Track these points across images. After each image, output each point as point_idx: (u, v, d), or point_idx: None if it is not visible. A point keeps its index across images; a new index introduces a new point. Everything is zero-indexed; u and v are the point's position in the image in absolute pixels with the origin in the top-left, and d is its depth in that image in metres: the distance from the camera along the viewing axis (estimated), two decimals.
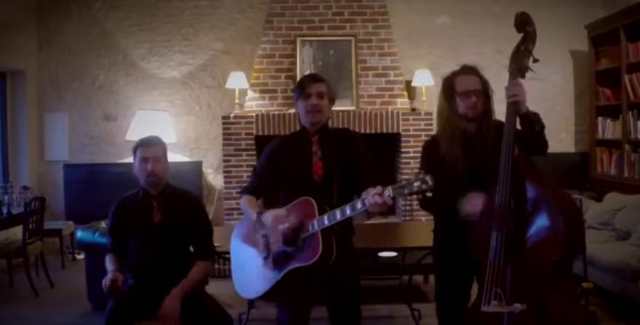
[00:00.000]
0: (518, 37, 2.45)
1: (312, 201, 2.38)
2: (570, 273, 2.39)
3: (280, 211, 2.44)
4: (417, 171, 2.16)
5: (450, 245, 2.56)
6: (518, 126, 2.41)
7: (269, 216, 2.44)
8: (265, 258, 2.49)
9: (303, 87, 2.54)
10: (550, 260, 2.22)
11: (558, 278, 2.24)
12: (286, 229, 2.37)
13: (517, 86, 2.35)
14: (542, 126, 2.41)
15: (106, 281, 2.61)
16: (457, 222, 2.44)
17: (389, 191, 2.13)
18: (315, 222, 2.34)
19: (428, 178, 2.06)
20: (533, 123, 2.38)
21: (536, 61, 2.39)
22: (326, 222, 2.30)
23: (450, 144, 2.48)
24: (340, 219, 2.28)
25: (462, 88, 2.48)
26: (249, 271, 2.58)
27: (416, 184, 2.07)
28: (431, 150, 2.59)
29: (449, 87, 2.53)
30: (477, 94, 2.47)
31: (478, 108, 2.48)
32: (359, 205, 2.23)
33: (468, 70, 2.53)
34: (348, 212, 2.26)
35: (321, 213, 2.35)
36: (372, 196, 2.15)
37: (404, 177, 5.37)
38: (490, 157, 2.38)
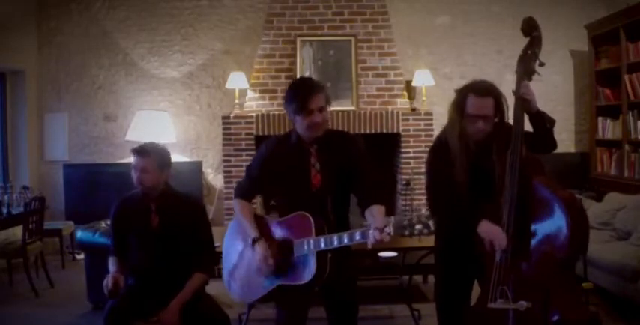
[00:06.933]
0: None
1: (310, 217, 2.34)
2: (573, 273, 2.41)
3: (267, 251, 2.39)
4: (423, 213, 2.16)
5: (453, 244, 2.55)
6: (527, 128, 2.42)
7: (259, 251, 2.39)
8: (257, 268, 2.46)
9: (302, 102, 2.33)
10: (556, 259, 2.24)
11: (563, 277, 2.26)
12: (270, 269, 2.37)
13: (527, 87, 2.38)
14: (553, 122, 2.45)
15: (107, 283, 2.60)
16: (462, 222, 2.44)
17: (390, 229, 2.13)
18: (312, 241, 2.30)
19: (430, 223, 2.08)
20: (544, 121, 2.40)
21: (542, 64, 2.42)
22: (322, 245, 2.28)
23: (461, 156, 2.44)
24: (337, 246, 2.27)
25: (471, 111, 2.41)
26: (240, 275, 2.56)
27: (418, 227, 2.09)
28: (440, 155, 2.54)
29: (461, 103, 2.44)
30: (486, 119, 2.40)
31: (484, 133, 2.43)
32: (357, 237, 2.22)
33: (484, 92, 2.40)
34: (346, 241, 2.25)
35: (318, 230, 2.31)
36: (371, 233, 2.14)
37: (403, 177, 5.43)
38: (495, 165, 2.39)
